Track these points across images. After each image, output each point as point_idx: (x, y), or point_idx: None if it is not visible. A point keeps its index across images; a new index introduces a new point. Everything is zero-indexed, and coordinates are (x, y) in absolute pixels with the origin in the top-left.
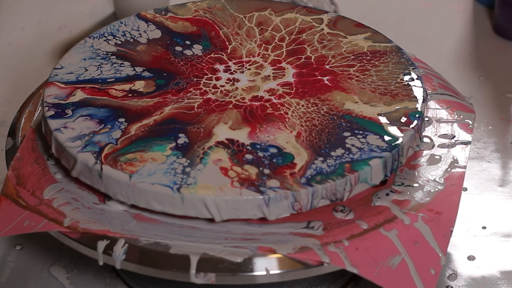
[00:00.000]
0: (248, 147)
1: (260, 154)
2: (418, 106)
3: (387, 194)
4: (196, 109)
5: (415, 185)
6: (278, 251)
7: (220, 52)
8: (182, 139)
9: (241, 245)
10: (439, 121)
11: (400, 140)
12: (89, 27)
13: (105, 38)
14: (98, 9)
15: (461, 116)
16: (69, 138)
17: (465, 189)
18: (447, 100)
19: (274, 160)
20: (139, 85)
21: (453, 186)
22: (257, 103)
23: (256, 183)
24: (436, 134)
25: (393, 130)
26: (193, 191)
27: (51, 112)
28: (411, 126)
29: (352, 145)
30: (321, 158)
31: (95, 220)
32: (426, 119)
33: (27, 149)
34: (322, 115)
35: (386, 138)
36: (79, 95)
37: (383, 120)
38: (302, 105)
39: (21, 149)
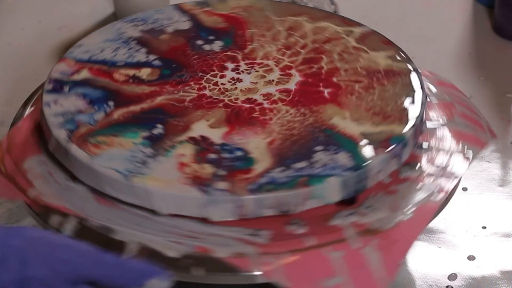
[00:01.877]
0: (216, 147)
1: (224, 155)
2: (404, 131)
3: (350, 215)
4: (186, 103)
5: (382, 210)
6: (213, 253)
7: (237, 51)
8: (159, 130)
9: (182, 241)
10: (439, 149)
11: (368, 162)
12: (89, 27)
13: (135, 23)
14: (98, 9)
15: (465, 148)
16: (53, 114)
17: (465, 189)
18: (459, 130)
19: (234, 163)
20: (144, 73)
21: (420, 218)
22: (248, 105)
23: (205, 182)
24: (430, 162)
25: (367, 151)
26: (141, 181)
27: (50, 87)
28: (387, 150)
29: (319, 160)
30: (282, 168)
31: (59, 196)
32: (425, 146)
33: (28, 120)
34: (304, 126)
35: (356, 158)
36: (83, 74)
37: (362, 140)
38: (290, 114)
39: (23, 119)
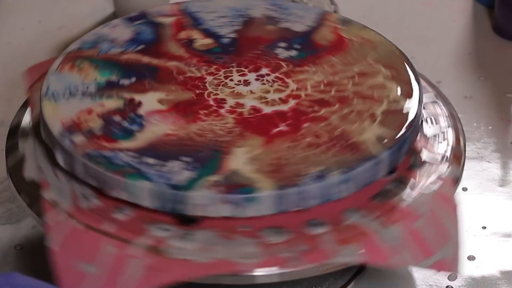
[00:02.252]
0: (132, 115)
1: (125, 124)
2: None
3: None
4: (175, 73)
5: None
6: None
7: (292, 65)
8: (127, 81)
9: None
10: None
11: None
12: (89, 27)
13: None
14: (98, 9)
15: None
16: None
17: (465, 189)
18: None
19: (114, 131)
20: (204, 41)
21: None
22: (213, 103)
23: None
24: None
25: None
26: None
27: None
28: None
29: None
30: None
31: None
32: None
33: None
34: (208, 138)
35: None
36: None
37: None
38: (224, 123)
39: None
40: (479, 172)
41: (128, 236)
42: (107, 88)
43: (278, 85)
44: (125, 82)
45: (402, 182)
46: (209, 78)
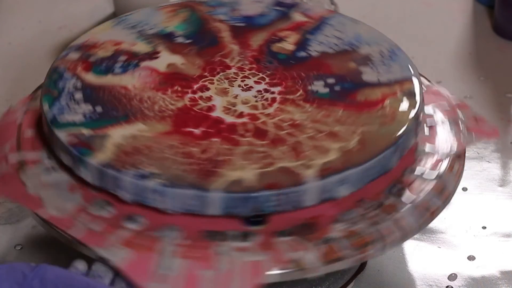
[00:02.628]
0: (134, 62)
1: (116, 65)
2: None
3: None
4: (218, 54)
5: None
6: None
7: (298, 99)
8: (182, 39)
9: None
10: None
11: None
12: (89, 27)
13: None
14: (98, 9)
15: None
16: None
17: (465, 189)
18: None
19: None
20: (286, 46)
21: None
22: (199, 84)
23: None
24: None
25: None
26: None
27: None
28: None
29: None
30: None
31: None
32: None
33: None
34: (135, 102)
35: None
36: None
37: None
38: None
39: None
40: (479, 172)
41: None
42: (161, 37)
43: (262, 103)
44: (179, 40)
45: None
46: (230, 70)
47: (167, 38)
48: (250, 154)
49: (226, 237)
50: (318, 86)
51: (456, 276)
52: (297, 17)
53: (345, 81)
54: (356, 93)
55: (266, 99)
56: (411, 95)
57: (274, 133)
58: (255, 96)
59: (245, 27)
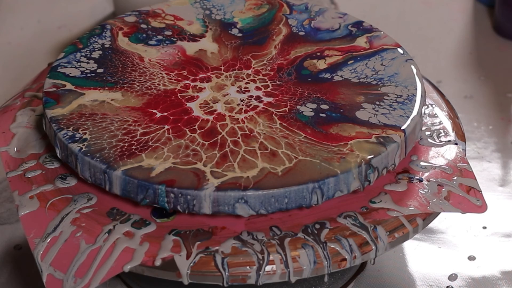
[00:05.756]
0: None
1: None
2: None
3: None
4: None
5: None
6: None
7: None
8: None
9: None
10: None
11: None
12: (88, 27)
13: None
14: (98, 9)
15: None
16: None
17: None
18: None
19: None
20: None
21: None
22: (200, 75)
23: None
24: None
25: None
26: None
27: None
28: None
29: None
30: None
31: None
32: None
33: None
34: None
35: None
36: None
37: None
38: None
39: None
40: (479, 172)
41: None
42: (221, 24)
43: (240, 108)
44: (233, 31)
45: None
46: (246, 71)
47: (225, 26)
48: (182, 148)
49: (126, 220)
50: (306, 109)
51: (457, 276)
52: (360, 41)
53: (336, 111)
54: (334, 125)
55: (249, 105)
56: (385, 142)
57: (221, 137)
58: (242, 100)
59: (301, 36)
